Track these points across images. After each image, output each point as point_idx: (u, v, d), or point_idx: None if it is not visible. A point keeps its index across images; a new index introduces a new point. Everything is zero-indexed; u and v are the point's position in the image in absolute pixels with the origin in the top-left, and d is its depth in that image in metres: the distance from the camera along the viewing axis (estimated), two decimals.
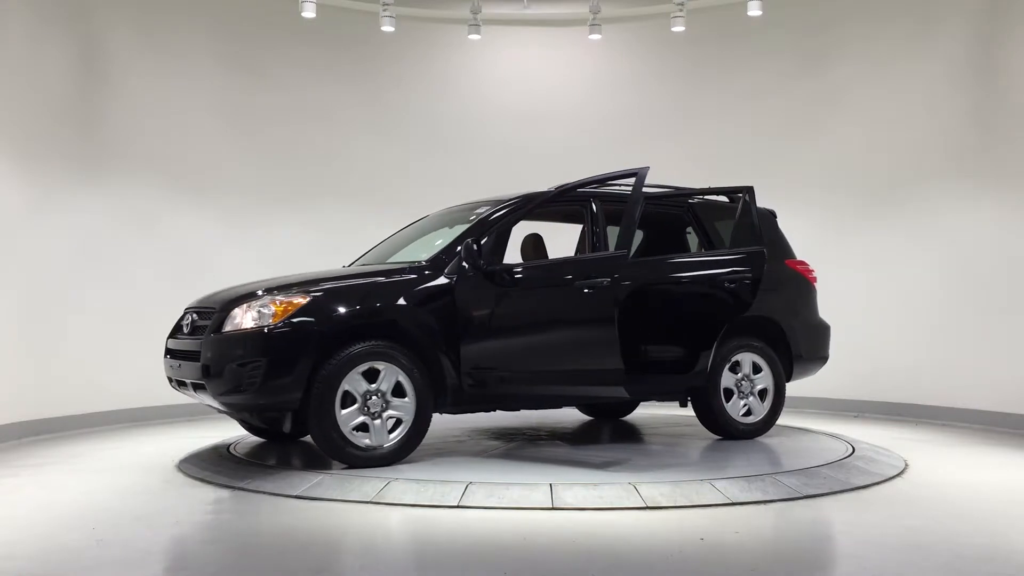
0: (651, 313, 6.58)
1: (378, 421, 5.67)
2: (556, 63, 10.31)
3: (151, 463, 6.42)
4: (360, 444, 5.62)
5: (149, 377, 8.33)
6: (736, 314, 6.60)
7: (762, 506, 5.07)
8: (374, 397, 5.65)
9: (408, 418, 5.74)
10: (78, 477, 6.03)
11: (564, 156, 9.58)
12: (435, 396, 5.87)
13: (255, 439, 6.94)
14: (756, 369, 6.96)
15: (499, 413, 7.90)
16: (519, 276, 6.00)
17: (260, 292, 5.80)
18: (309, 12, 8.95)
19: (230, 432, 7.21)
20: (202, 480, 5.76)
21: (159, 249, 8.82)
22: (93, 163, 8.38)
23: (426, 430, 5.87)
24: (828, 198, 9.24)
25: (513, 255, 6.67)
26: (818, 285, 7.43)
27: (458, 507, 4.98)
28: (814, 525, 4.81)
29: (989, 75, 8.35)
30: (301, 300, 5.61)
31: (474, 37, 9.78)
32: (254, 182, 9.42)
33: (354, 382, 5.60)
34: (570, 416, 8.20)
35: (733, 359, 6.84)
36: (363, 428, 5.65)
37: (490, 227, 6.14)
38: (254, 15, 9.50)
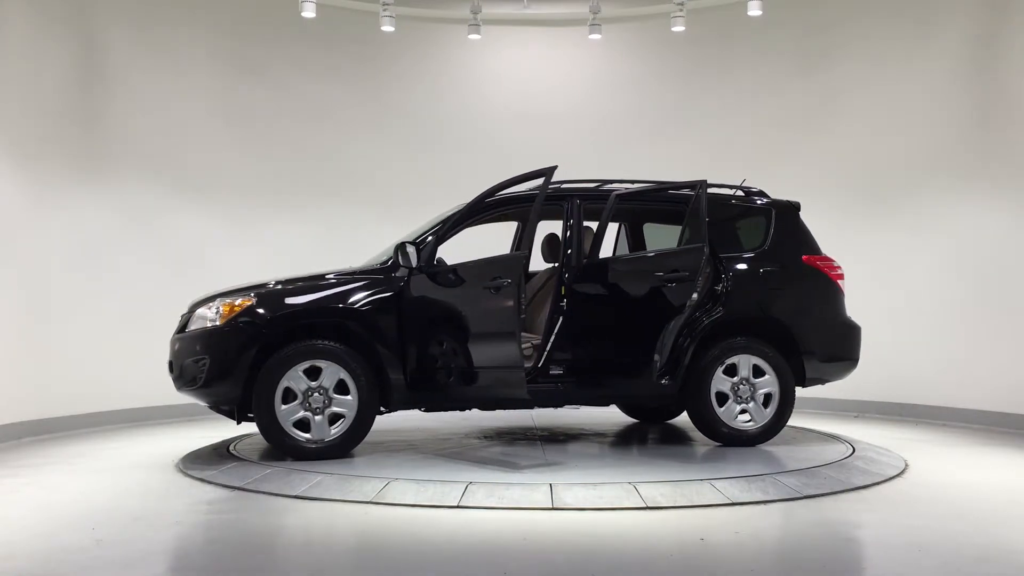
0: (579, 315, 6.30)
1: (319, 417, 5.93)
2: (556, 63, 10.30)
3: (151, 463, 6.42)
4: (300, 438, 5.93)
5: (149, 377, 8.33)
6: (675, 314, 6.07)
7: (762, 506, 5.07)
8: (315, 394, 5.93)
9: (350, 414, 5.97)
10: (78, 477, 6.04)
11: (564, 156, 9.46)
12: (381, 394, 6.07)
13: (255, 439, 6.93)
14: (758, 372, 6.56)
15: (501, 413, 7.91)
16: (455, 277, 6.09)
17: (218, 294, 6.18)
18: (309, 12, 8.95)
19: (230, 432, 7.21)
20: (202, 480, 5.76)
21: (159, 248, 8.82)
22: (93, 162, 8.38)
23: (369, 426, 6.10)
24: (828, 197, 9.23)
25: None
26: None
27: (458, 507, 4.98)
28: (814, 525, 4.80)
29: (990, 73, 8.35)
30: (247, 302, 6.00)
31: (474, 37, 9.78)
32: (254, 181, 9.42)
33: (295, 379, 5.91)
34: (572, 416, 8.20)
35: (727, 361, 6.50)
36: (306, 422, 5.95)
37: (438, 230, 6.26)
38: (254, 15, 9.50)
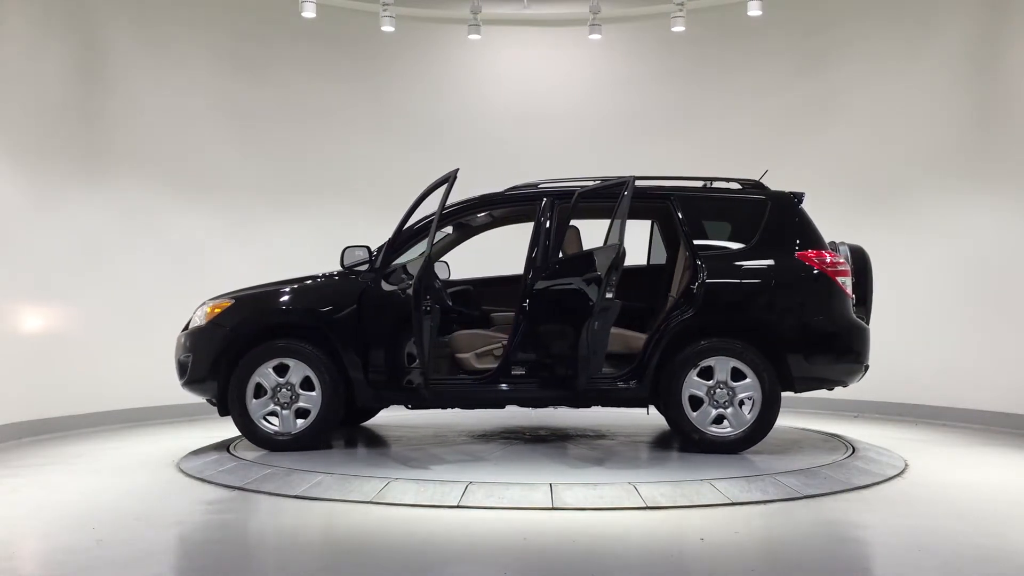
0: (535, 316, 6.15)
1: (286, 411, 6.30)
2: (556, 63, 10.30)
3: (151, 463, 6.42)
4: (269, 430, 6.31)
5: (149, 377, 8.34)
6: (587, 316, 5.79)
7: (762, 506, 5.07)
8: (283, 389, 6.29)
9: (315, 409, 6.28)
10: (78, 477, 6.04)
11: (564, 156, 9.57)
12: (346, 391, 6.31)
13: None
14: (739, 376, 6.18)
15: (499, 413, 7.90)
16: (404, 279, 6.25)
17: (215, 296, 6.62)
18: (309, 12, 8.95)
19: (230, 432, 7.21)
20: (202, 480, 5.77)
21: (159, 249, 8.82)
22: (93, 163, 8.38)
23: (335, 421, 6.40)
24: (828, 198, 9.19)
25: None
26: None
27: (458, 507, 4.99)
28: (814, 525, 4.80)
29: (990, 73, 8.35)
30: (226, 303, 6.48)
31: (474, 37, 9.78)
32: (254, 181, 9.42)
33: (265, 376, 6.30)
34: (573, 416, 8.18)
35: (702, 364, 6.17)
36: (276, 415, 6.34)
37: (392, 237, 6.46)
38: (254, 15, 9.50)
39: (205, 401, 6.66)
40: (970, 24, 8.52)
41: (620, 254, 5.84)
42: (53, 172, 8.02)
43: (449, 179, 6.04)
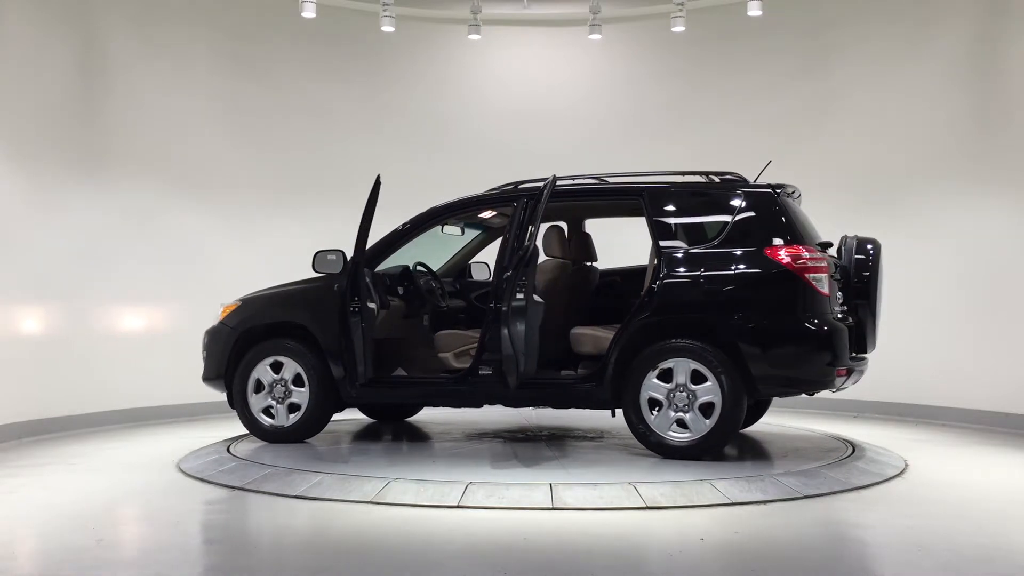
0: (500, 316, 5.94)
1: (280, 406, 6.69)
2: (556, 63, 10.30)
3: (151, 463, 6.43)
4: (265, 423, 6.71)
5: (149, 377, 8.35)
6: (506, 317, 5.75)
7: (762, 506, 5.08)
8: (278, 385, 6.69)
9: (305, 404, 6.64)
10: (78, 477, 6.04)
11: (564, 156, 9.54)
12: (334, 389, 6.58)
13: (255, 439, 6.92)
14: (700, 379, 5.92)
15: (500, 413, 7.90)
16: (386, 284, 6.54)
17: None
18: (309, 12, 8.94)
19: (230, 432, 7.22)
20: (202, 480, 5.77)
21: (159, 249, 8.81)
22: (93, 163, 8.38)
23: (324, 416, 6.73)
24: (827, 198, 9.19)
25: None
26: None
27: (458, 507, 4.99)
28: (814, 525, 4.81)
29: (989, 74, 8.35)
30: (235, 305, 6.93)
31: (474, 37, 9.77)
32: (254, 182, 9.42)
33: (263, 372, 6.71)
34: (572, 416, 8.18)
35: (661, 366, 5.94)
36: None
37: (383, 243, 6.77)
38: (254, 15, 9.49)
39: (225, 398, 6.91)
40: (970, 25, 8.52)
41: (527, 254, 5.80)
42: (53, 172, 8.02)
43: (373, 187, 6.53)
